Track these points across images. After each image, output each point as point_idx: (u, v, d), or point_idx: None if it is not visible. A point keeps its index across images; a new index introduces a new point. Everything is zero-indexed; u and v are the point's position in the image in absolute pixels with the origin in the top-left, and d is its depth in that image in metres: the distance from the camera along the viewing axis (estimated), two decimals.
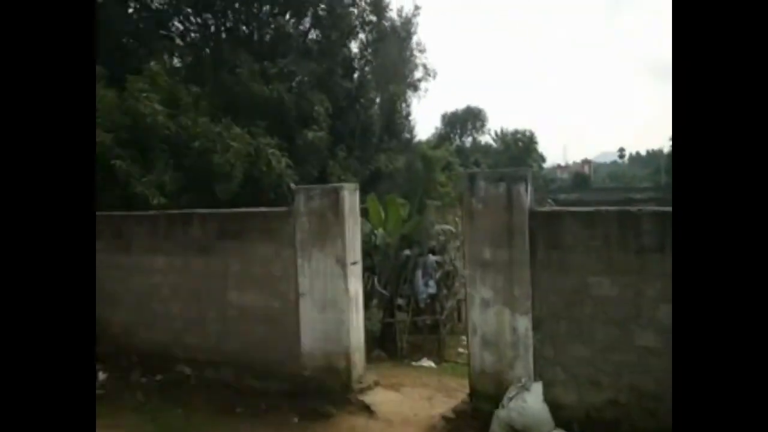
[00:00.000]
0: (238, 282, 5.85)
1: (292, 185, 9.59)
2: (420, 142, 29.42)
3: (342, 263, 5.14)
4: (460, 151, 34.45)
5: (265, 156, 9.41)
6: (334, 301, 5.16)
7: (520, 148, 35.00)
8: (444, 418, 4.43)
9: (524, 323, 4.04)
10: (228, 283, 5.92)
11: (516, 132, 36.50)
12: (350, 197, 5.25)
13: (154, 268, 6.53)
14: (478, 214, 4.20)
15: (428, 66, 17.20)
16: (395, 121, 16.04)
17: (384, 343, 8.21)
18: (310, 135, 10.73)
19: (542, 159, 34.88)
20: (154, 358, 6.54)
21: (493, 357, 4.19)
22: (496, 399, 4.04)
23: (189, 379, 6.11)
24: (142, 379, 6.39)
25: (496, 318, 4.14)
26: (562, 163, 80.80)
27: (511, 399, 3.84)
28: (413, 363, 7.78)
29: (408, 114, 17.82)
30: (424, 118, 72.07)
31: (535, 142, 36.13)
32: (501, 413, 3.85)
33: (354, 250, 5.27)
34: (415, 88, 18.72)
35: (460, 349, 8.96)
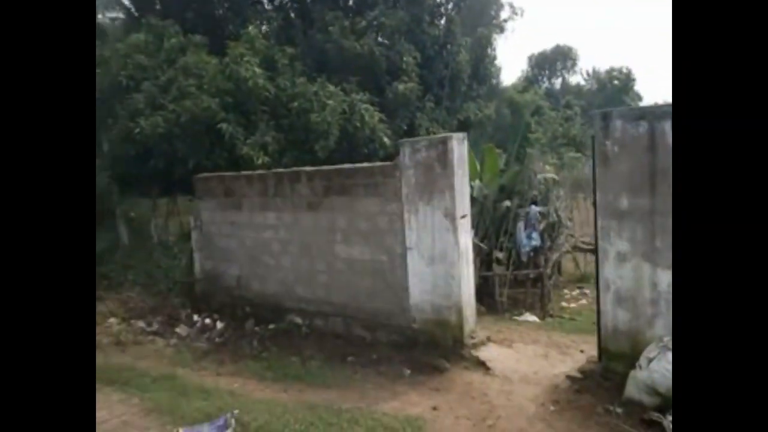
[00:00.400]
0: (345, 236, 5.86)
1: (386, 140, 9.46)
2: (506, 87, 27.74)
3: (451, 217, 4.90)
4: (550, 93, 32.01)
5: (359, 112, 9.27)
6: (443, 255, 4.97)
7: (615, 88, 31.57)
8: (569, 377, 4.15)
9: (666, 278, 3.58)
10: (336, 237, 5.96)
11: (611, 70, 32.93)
12: (458, 148, 4.94)
13: (265, 224, 6.76)
14: (614, 157, 3.71)
15: (514, 4, 15.81)
16: (483, 66, 15.08)
17: (481, 297, 8.00)
18: (401, 87, 10.39)
19: (640, 99, 31.30)
20: (266, 309, 6.88)
21: (629, 314, 3.79)
22: (631, 359, 3.67)
23: (300, 328, 6.35)
24: (256, 329, 6.76)
25: (634, 273, 3.71)
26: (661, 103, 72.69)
27: (651, 360, 3.46)
28: (515, 317, 7.50)
29: (494, 58, 16.72)
30: (510, 60, 67.34)
31: (633, 80, 32.35)
32: (640, 374, 3.50)
33: (463, 203, 5.00)
34: (501, 29, 17.45)
35: (564, 304, 8.55)
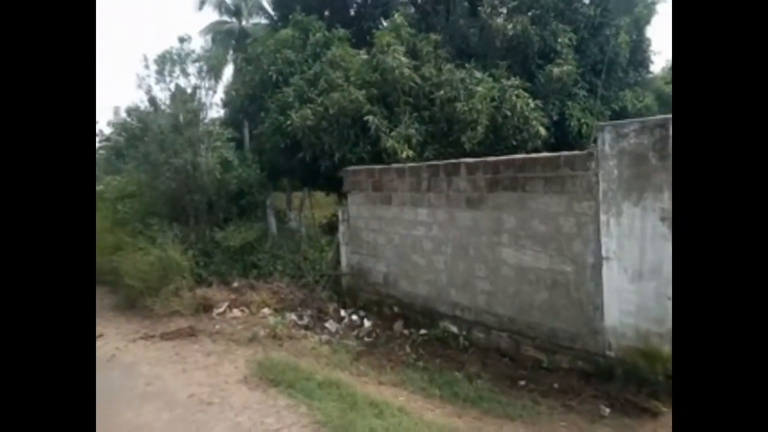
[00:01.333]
0: (514, 238, 5.01)
1: (541, 129, 8.36)
2: (654, 77, 24.21)
3: (669, 221, 3.81)
4: None
5: (510, 99, 8.31)
6: (655, 269, 3.90)
7: None
8: None
9: None
10: (501, 239, 5.14)
11: None
12: None
13: (415, 221, 6.18)
14: None
15: None
16: (642, 50, 13.05)
17: None
18: (556, 70, 9.17)
19: None
20: (416, 311, 6.31)
21: None
22: None
23: (456, 338, 5.67)
24: (405, 331, 6.23)
25: None
26: None
27: None
28: None
29: (651, 42, 14.43)
30: (656, 46, 59.76)
31: None
32: None
33: None
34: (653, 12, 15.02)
35: None
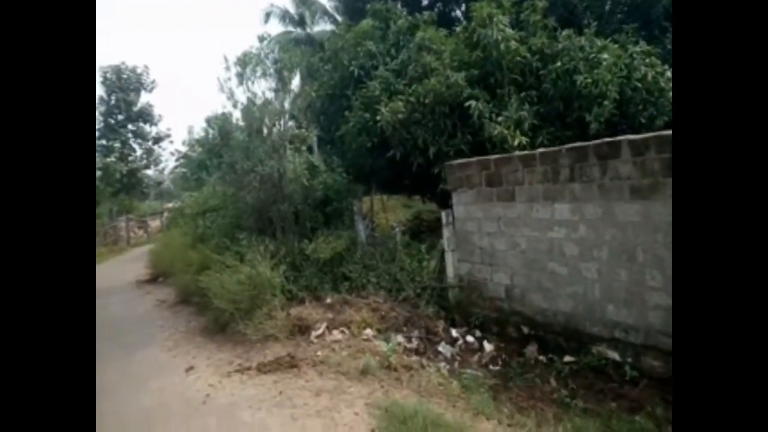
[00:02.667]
0: None
1: None
2: None
3: None
4: None
5: (638, 68, 6.90)
6: None
7: None
8: None
9: None
10: None
11: None
12: None
13: (551, 219, 5.00)
14: None
15: None
16: None
17: None
18: None
19: None
20: (554, 332, 5.11)
21: None
22: None
23: (619, 367, 4.42)
24: (541, 358, 5.06)
25: None
26: None
27: None
28: None
29: None
30: None
31: None
32: None
33: None
34: None
35: None
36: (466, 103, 6.96)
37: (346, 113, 8.60)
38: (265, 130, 7.17)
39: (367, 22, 9.46)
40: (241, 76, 7.44)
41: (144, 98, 28.93)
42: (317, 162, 7.75)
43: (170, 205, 30.03)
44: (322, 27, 22.91)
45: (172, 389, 4.71)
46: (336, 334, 5.60)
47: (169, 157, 32.44)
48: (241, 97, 7.51)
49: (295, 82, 13.35)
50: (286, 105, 7.48)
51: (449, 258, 6.32)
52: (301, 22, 23.20)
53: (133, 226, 26.69)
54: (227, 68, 7.22)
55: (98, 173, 28.89)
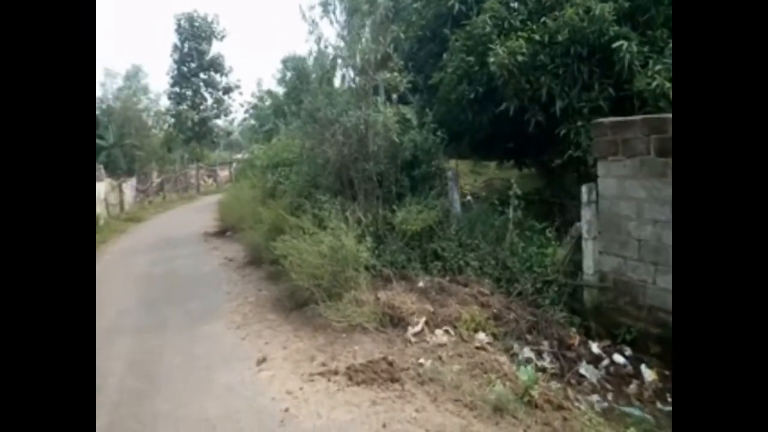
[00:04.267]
0: None
1: None
2: None
3: None
4: None
5: None
6: None
7: None
8: None
9: None
10: None
11: None
12: None
13: None
14: None
15: None
16: None
17: None
18: None
19: None
20: None
21: None
22: None
23: None
24: None
25: None
26: None
27: None
28: None
29: None
30: None
31: None
32: None
33: None
34: None
35: None
36: (614, 45, 5.26)
37: (445, 56, 7.10)
38: (351, 73, 5.83)
39: None
40: (326, 5, 6.09)
41: (215, 47, 28.36)
42: (409, 114, 6.35)
43: (239, 156, 30.08)
44: None
45: (242, 391, 3.76)
46: (439, 335, 4.41)
47: (238, 108, 32.19)
48: (327, 30, 6.17)
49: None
50: (373, 45, 6.05)
51: (588, 247, 4.88)
52: None
53: (203, 174, 26.84)
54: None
55: (171, 120, 29.14)
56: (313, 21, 5.97)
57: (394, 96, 6.14)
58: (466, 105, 6.83)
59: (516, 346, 4.29)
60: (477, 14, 7.01)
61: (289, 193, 8.36)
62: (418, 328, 4.50)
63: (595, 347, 4.43)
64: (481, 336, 4.38)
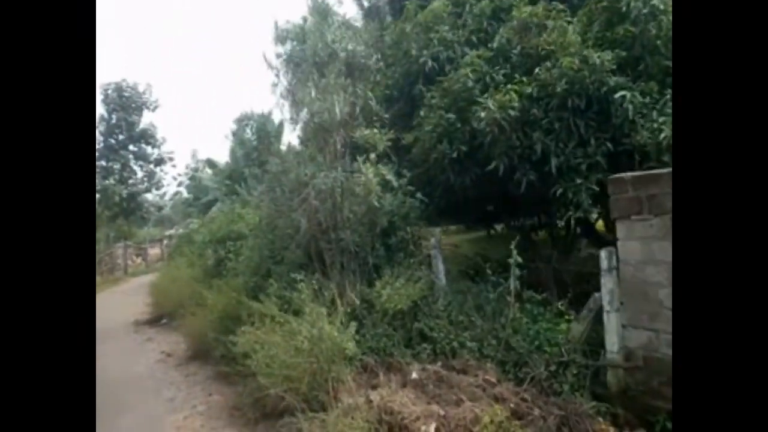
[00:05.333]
0: None
1: None
2: None
3: None
4: None
5: None
6: None
7: None
8: None
9: None
10: None
11: None
12: None
13: None
14: None
15: None
16: None
17: None
18: None
19: None
20: None
21: None
22: None
23: None
24: None
25: None
26: None
27: None
28: None
29: None
30: None
31: None
32: None
33: None
34: None
35: None
36: (617, 95, 5.15)
37: (422, 113, 6.81)
38: (324, 131, 5.33)
39: (439, 4, 7.77)
40: (290, 59, 5.68)
41: (146, 118, 27.53)
42: (390, 176, 5.87)
43: (171, 231, 28.47)
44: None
45: None
46: None
47: (171, 182, 30.98)
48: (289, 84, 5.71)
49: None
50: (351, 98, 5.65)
51: (611, 321, 4.38)
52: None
53: (131, 253, 24.96)
54: (278, 41, 5.46)
55: (96, 196, 27.36)
56: (277, 73, 5.51)
57: (373, 156, 5.64)
58: (447, 165, 6.47)
59: None
60: (450, 71, 6.88)
61: (242, 271, 7.47)
62: None
63: None
64: None
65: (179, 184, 31.05)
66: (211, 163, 20.88)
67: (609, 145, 5.42)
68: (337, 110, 5.31)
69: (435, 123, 6.50)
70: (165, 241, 26.85)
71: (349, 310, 5.53)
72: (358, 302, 5.68)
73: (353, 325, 4.67)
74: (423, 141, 6.75)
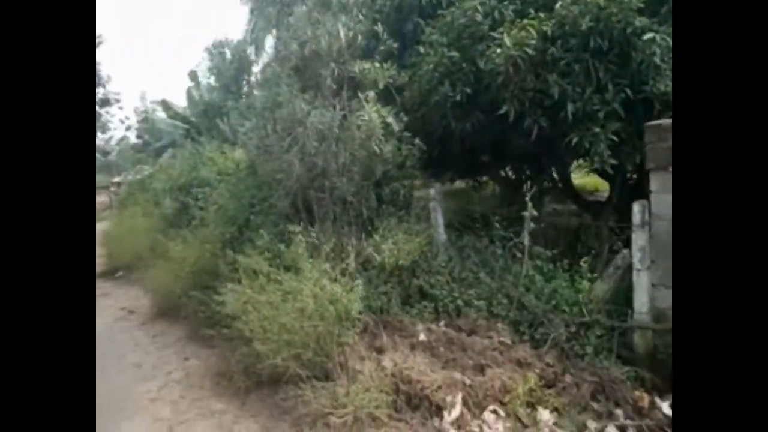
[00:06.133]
0: None
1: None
2: None
3: None
4: None
5: None
6: None
7: None
8: None
9: None
10: None
11: None
12: None
13: None
14: None
15: None
16: None
17: None
18: None
19: None
20: None
21: None
22: None
23: None
24: None
25: None
26: None
27: None
28: None
29: None
30: None
31: None
32: None
33: None
34: None
35: None
36: (645, 37, 4.69)
37: (421, 51, 6.15)
38: (318, 63, 4.60)
39: None
40: None
41: None
42: (390, 118, 5.25)
43: (119, 179, 26.62)
44: None
45: None
46: (491, 420, 3.26)
47: (118, 125, 28.69)
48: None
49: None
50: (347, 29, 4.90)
51: (642, 280, 4.10)
52: None
53: None
54: None
55: None
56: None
57: (372, 94, 4.99)
58: (448, 110, 5.90)
59: (593, 424, 3.28)
60: (448, 5, 6.21)
61: (214, 220, 6.77)
62: (456, 413, 3.32)
63: (665, 407, 3.58)
64: (545, 414, 3.33)
65: (127, 128, 28.94)
66: (165, 105, 19.24)
67: (627, 91, 5.01)
68: (331, 39, 4.57)
69: (436, 62, 5.87)
70: (113, 188, 25.09)
71: (345, 266, 5.04)
72: (353, 257, 5.18)
73: (358, 283, 4.18)
74: (420, 82, 6.13)
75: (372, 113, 4.56)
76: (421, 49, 6.10)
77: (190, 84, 20.52)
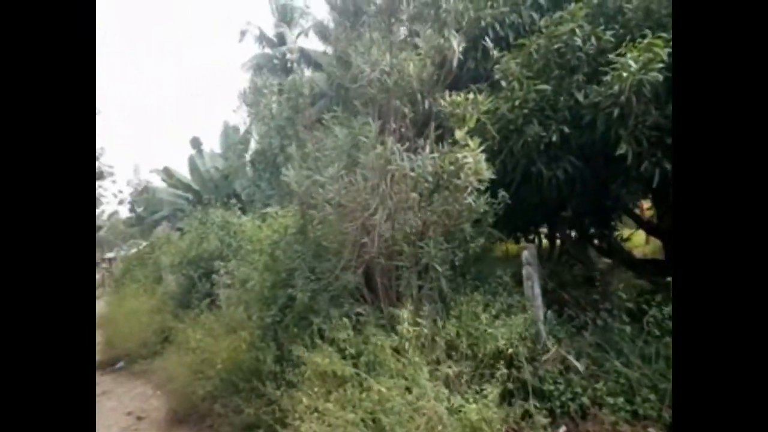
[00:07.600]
0: None
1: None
2: None
3: None
4: None
5: None
6: None
7: None
8: None
9: None
10: None
11: None
12: None
13: None
14: None
15: None
16: None
17: None
18: None
19: None
20: None
21: None
22: None
23: None
24: None
25: None
26: None
27: None
28: None
29: None
30: None
31: None
32: None
33: None
34: None
35: None
36: None
37: (503, 84, 5.29)
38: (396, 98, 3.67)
39: None
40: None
41: None
42: (482, 163, 4.24)
43: (111, 255, 25.58)
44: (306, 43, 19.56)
45: None
46: None
47: (111, 199, 27.99)
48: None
49: None
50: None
51: None
52: (280, 43, 19.75)
53: None
54: None
55: None
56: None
57: (462, 133, 4.03)
58: (541, 153, 4.94)
59: None
60: (529, 32, 5.47)
61: (248, 301, 5.60)
62: None
63: None
64: None
65: (120, 202, 28.26)
66: (168, 173, 18.51)
67: None
68: (420, 65, 3.66)
69: (522, 97, 4.99)
70: (104, 265, 24.00)
71: (437, 359, 3.84)
72: (442, 347, 3.99)
73: (490, 390, 2.98)
74: (503, 119, 5.19)
75: (471, 157, 3.56)
76: (503, 83, 5.23)
77: (192, 151, 19.98)
